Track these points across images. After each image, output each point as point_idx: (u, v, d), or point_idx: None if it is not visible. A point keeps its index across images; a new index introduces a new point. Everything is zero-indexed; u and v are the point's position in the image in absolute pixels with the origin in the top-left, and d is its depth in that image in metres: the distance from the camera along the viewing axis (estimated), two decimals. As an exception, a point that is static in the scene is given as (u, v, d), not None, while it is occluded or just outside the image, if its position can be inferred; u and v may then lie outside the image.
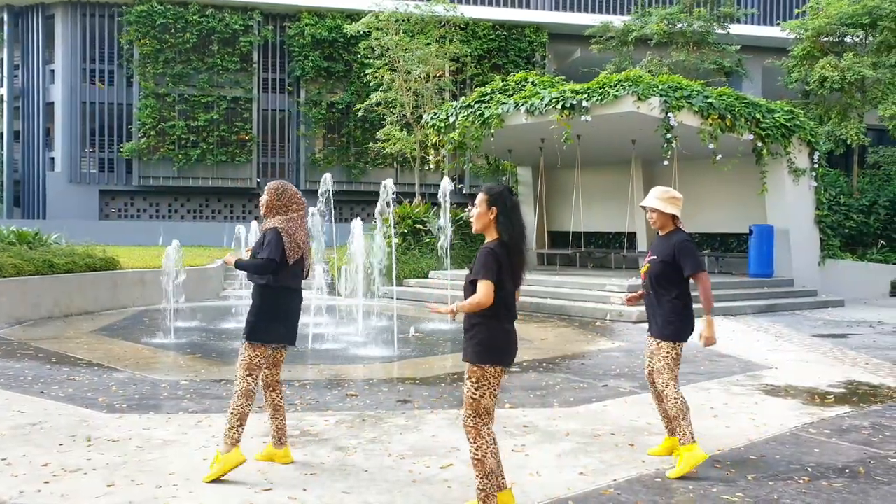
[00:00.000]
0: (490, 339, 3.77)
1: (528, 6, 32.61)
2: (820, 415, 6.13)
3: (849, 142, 20.49)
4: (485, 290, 3.70)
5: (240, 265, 4.73)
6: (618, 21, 26.54)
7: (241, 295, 15.00)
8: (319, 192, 11.35)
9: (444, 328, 11.48)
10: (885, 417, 6.08)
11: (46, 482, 4.33)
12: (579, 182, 17.82)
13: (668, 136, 13.60)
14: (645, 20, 25.42)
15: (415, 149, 22.42)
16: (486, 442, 3.77)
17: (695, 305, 4.86)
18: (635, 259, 18.53)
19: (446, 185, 12.82)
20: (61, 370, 7.71)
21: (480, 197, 3.86)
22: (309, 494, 4.20)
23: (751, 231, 15.57)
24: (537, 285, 14.45)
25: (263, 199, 4.84)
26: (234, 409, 4.55)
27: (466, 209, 23.07)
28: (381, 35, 21.92)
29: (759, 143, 15.01)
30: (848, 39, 21.56)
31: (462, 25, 25.42)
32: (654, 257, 4.85)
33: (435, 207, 18.59)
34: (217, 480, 4.38)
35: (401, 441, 5.23)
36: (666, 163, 14.33)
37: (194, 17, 29.26)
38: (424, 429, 5.55)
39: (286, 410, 4.87)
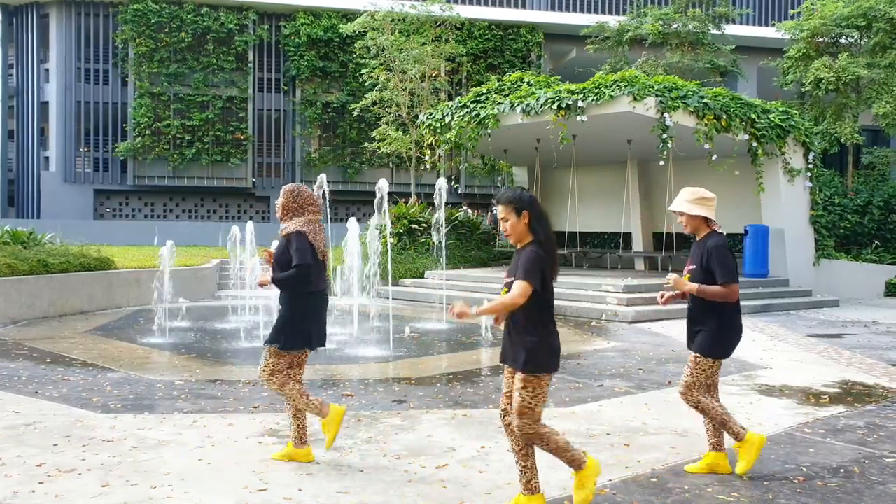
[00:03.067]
0: (547, 346, 3.75)
1: (523, 6, 32.61)
2: (815, 414, 6.15)
3: (843, 140, 20.53)
4: (520, 289, 3.61)
5: (278, 281, 4.65)
6: (613, 21, 26.54)
7: (235, 295, 14.96)
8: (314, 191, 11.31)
9: (440, 328, 11.47)
10: (880, 417, 6.10)
11: (41, 483, 4.32)
12: (575, 182, 17.84)
13: (664, 136, 13.62)
14: (640, 20, 25.44)
15: (410, 149, 22.41)
16: (551, 432, 3.77)
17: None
18: (631, 259, 18.55)
19: (442, 185, 12.81)
20: (56, 370, 7.68)
21: (504, 208, 3.73)
22: (304, 494, 4.19)
23: (746, 231, 15.59)
24: (533, 285, 14.43)
25: (279, 201, 4.82)
26: (290, 408, 4.76)
27: (462, 208, 23.06)
28: (376, 35, 21.91)
29: (755, 144, 15.04)
30: (843, 40, 21.59)
31: (458, 25, 25.40)
32: (694, 266, 4.59)
33: (430, 207, 18.59)
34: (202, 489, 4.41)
35: (396, 441, 5.22)
36: (662, 163, 14.35)
37: (189, 17, 29.19)
38: (420, 429, 5.55)
39: (282, 410, 4.85)
